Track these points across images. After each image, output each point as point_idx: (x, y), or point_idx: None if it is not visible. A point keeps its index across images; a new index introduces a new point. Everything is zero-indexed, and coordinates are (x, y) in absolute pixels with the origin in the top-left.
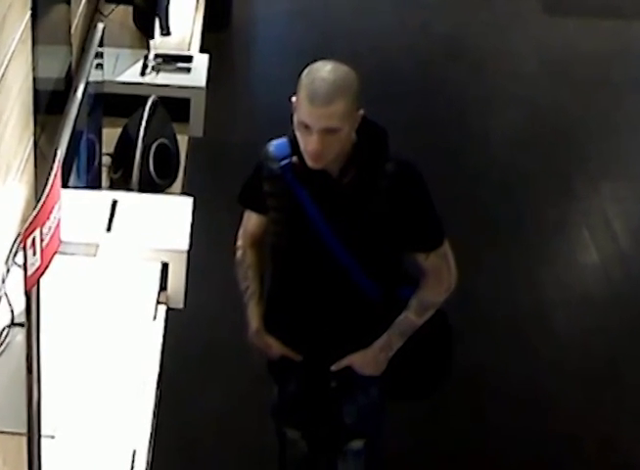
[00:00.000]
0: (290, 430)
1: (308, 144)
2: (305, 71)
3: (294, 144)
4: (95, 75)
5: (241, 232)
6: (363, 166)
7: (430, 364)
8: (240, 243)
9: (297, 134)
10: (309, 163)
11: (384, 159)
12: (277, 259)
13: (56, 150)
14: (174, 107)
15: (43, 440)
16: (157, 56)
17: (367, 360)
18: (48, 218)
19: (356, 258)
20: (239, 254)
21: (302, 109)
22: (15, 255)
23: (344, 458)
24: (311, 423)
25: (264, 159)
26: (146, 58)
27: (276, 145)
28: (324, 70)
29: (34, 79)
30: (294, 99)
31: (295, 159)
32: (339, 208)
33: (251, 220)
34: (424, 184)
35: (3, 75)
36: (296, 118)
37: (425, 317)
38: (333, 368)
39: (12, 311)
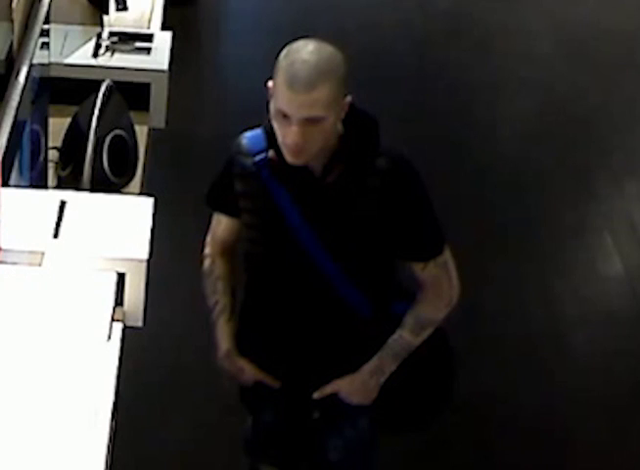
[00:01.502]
0: (265, 467)
1: (287, 136)
2: (284, 53)
3: (270, 136)
4: (40, 57)
5: (209, 238)
6: (350, 162)
7: (428, 391)
8: (208, 251)
9: (275, 125)
10: (288, 158)
11: (374, 153)
12: (251, 270)
13: None
14: (132, 93)
15: None
16: (112, 34)
17: (355, 387)
18: None
19: (343, 267)
20: (207, 263)
21: (281, 95)
22: None
23: None
24: (290, 460)
25: (236, 153)
26: (99, 36)
27: (250, 137)
28: (305, 51)
29: None
30: (270, 84)
31: (271, 153)
32: (322, 210)
33: (221, 225)
34: (420, 183)
35: None
36: (272, 106)
37: (422, 337)
38: (315, 396)
39: None
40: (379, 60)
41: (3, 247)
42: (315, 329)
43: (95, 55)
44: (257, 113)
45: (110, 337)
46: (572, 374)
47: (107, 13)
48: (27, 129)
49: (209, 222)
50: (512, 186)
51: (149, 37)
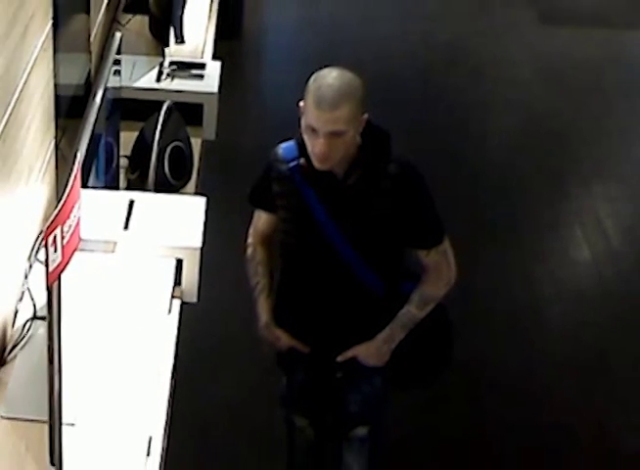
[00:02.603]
0: (298, 418)
1: (315, 146)
2: (312, 78)
3: (301, 147)
4: (113, 81)
5: (251, 231)
6: (367, 168)
7: (430, 355)
8: (250, 241)
9: (305, 137)
10: (316, 164)
11: (386, 160)
12: (286, 256)
13: (76, 152)
14: (188, 111)
15: (64, 427)
16: (171, 63)
17: (371, 352)
18: (68, 217)
19: (360, 254)
20: (249, 251)
21: (310, 113)
22: (37, 252)
23: (349, 445)
24: (318, 411)
25: (273, 160)
26: (161, 65)
27: (284, 147)
28: (330, 77)
29: (55, 85)
30: (301, 104)
31: (302, 161)
32: (344, 207)
33: (261, 219)
34: (425, 184)
35: (25, 82)
36: (303, 122)
37: (426, 311)
38: (338, 359)
39: (34, 305)
40: (389, 84)
41: (83, 237)
42: (338, 304)
43: (158, 80)
44: (290, 127)
45: (170, 311)
46: (549, 342)
47: (167, 45)
48: (103, 141)
49: (251, 217)
50: (499, 188)
51: (202, 66)
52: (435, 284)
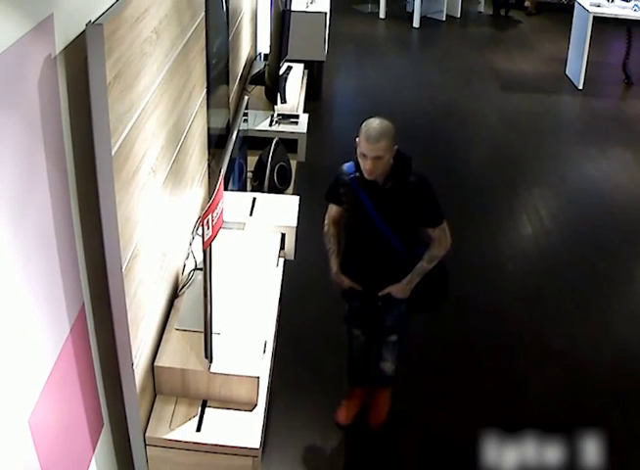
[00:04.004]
0: (354, 329)
1: (365, 166)
2: (363, 124)
3: (356, 165)
4: (243, 126)
5: (327, 216)
6: (397, 179)
7: (434, 292)
8: (326, 222)
9: (359, 160)
10: (366, 176)
11: (408, 174)
12: (347, 232)
13: (220, 169)
14: (289, 144)
15: (213, 335)
16: (278, 115)
17: (399, 289)
18: (216, 208)
19: (393, 230)
20: (325, 229)
21: (362, 145)
22: (197, 229)
23: (386, 346)
24: (367, 325)
25: (340, 173)
26: (272, 116)
27: (346, 166)
28: (374, 123)
29: (208, 128)
30: (357, 139)
31: (357, 174)
32: (383, 202)
33: (333, 209)
34: (432, 188)
35: (190, 126)
36: (358, 151)
37: (432, 265)
38: (379, 294)
39: (195, 261)
40: (410, 127)
41: (225, 220)
42: (378, 261)
43: (270, 125)
44: (349, 153)
45: (277, 265)
46: (506, 283)
47: (276, 104)
48: (237, 162)
49: (326, 208)
50: (476, 191)
51: (297, 116)
52: (439, 248)
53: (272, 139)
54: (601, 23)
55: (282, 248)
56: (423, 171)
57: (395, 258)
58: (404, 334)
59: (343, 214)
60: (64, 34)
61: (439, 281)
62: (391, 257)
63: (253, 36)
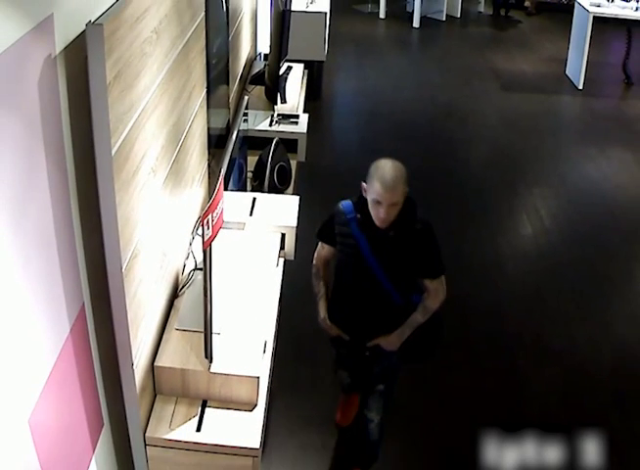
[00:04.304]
0: (340, 370)
1: (380, 213)
2: (374, 168)
3: (356, 205)
4: (243, 126)
5: (316, 255)
6: (402, 226)
7: (429, 342)
8: (315, 263)
9: (371, 207)
10: (379, 224)
11: (414, 221)
12: (339, 274)
13: (220, 169)
14: (289, 144)
15: (213, 335)
16: (278, 115)
17: (389, 342)
18: (216, 208)
19: (389, 277)
20: (314, 270)
21: (376, 192)
22: (197, 229)
23: (372, 395)
24: (354, 372)
25: (337, 212)
26: (272, 116)
27: (344, 205)
28: (387, 167)
29: (208, 128)
30: (364, 184)
31: (359, 216)
32: (383, 248)
33: (324, 250)
34: (436, 238)
35: (190, 126)
36: (369, 197)
37: (426, 318)
38: (368, 344)
39: (195, 261)
40: (410, 127)
41: (224, 220)
42: (370, 308)
43: (270, 125)
44: (349, 154)
45: (277, 264)
46: (506, 283)
47: (276, 104)
48: (237, 162)
49: (316, 246)
50: (477, 191)
51: (297, 116)
52: (434, 300)
53: (272, 139)
54: (601, 22)
55: (282, 248)
56: (428, 218)
57: (388, 306)
58: (392, 384)
59: (336, 256)
60: (64, 34)
61: (434, 330)
62: (384, 305)
63: (253, 36)
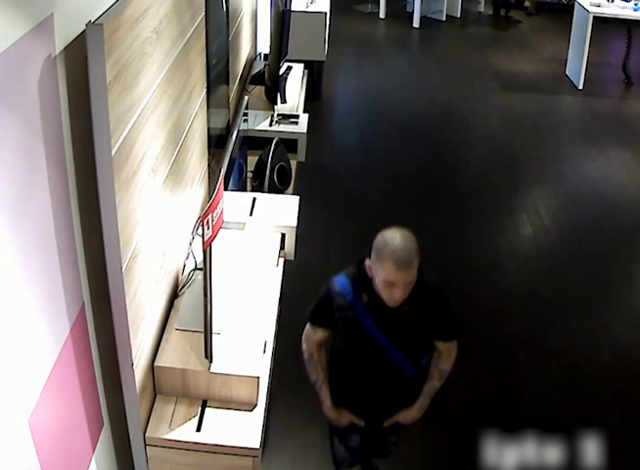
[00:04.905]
0: (339, 445)
1: (395, 295)
2: (381, 243)
3: (356, 284)
4: (243, 126)
5: (305, 339)
6: (416, 298)
7: (439, 405)
8: (305, 347)
9: (382, 289)
10: (392, 304)
11: (424, 287)
12: (339, 354)
13: (220, 169)
14: (289, 144)
15: (213, 335)
16: (278, 115)
17: (410, 416)
18: (216, 208)
19: (401, 350)
20: (306, 356)
21: (388, 273)
22: (197, 229)
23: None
24: (367, 459)
25: (332, 293)
26: (272, 116)
27: (339, 284)
28: (398, 242)
29: (208, 128)
30: (368, 262)
31: (366, 299)
32: (395, 325)
33: (317, 333)
34: (447, 296)
35: (190, 126)
36: (380, 279)
37: (443, 381)
38: (385, 425)
39: (195, 261)
40: (410, 127)
41: (224, 220)
42: (382, 385)
43: (270, 125)
44: (348, 152)
45: (277, 265)
46: (506, 282)
47: (276, 104)
48: (237, 162)
49: (303, 328)
50: (477, 190)
51: (297, 116)
52: (447, 361)
53: (272, 139)
54: (601, 22)
55: (282, 248)
56: (438, 280)
57: (401, 379)
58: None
59: (331, 337)
60: (64, 34)
61: (443, 393)
62: (396, 378)
63: (253, 36)
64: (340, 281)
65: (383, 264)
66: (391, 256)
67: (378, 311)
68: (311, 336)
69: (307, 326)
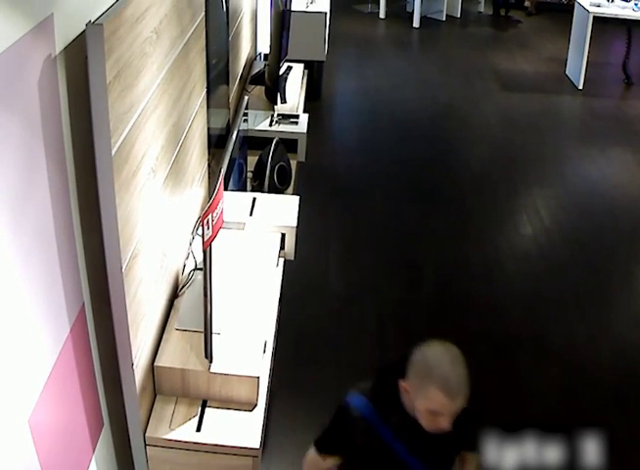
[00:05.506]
0: None
1: (440, 423)
2: (424, 365)
3: (379, 402)
4: (243, 126)
5: (310, 466)
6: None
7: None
8: None
9: (423, 416)
10: (432, 430)
11: None
12: None
13: (220, 169)
14: (289, 144)
15: (213, 335)
16: (278, 115)
17: None
18: (216, 208)
19: (427, 468)
20: None
21: (436, 401)
22: (197, 229)
23: None
24: None
25: (349, 417)
26: (272, 116)
27: (359, 406)
28: (449, 365)
29: (208, 128)
30: (404, 384)
31: (396, 420)
32: (428, 446)
33: (325, 462)
34: (476, 416)
35: (190, 126)
36: (422, 406)
37: None
38: None
39: (195, 261)
40: (412, 127)
41: (224, 220)
42: None
43: (270, 125)
44: (349, 152)
45: (277, 264)
46: (507, 282)
47: (276, 104)
48: (237, 162)
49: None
50: (477, 189)
51: (297, 116)
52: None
53: (272, 139)
54: (601, 22)
55: (282, 248)
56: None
57: None
58: None
59: (344, 461)
60: (64, 34)
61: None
62: None
63: (253, 36)
64: (357, 402)
65: (428, 392)
66: (440, 383)
67: (408, 432)
68: (317, 464)
69: (313, 453)
